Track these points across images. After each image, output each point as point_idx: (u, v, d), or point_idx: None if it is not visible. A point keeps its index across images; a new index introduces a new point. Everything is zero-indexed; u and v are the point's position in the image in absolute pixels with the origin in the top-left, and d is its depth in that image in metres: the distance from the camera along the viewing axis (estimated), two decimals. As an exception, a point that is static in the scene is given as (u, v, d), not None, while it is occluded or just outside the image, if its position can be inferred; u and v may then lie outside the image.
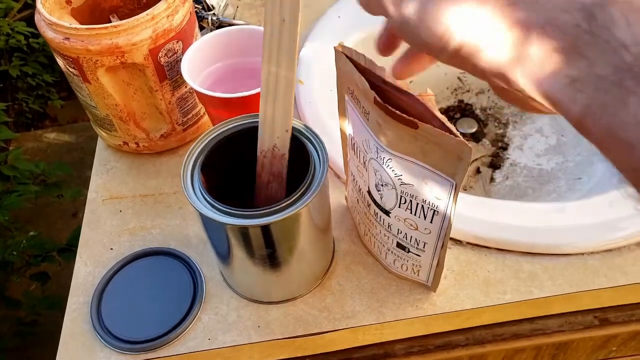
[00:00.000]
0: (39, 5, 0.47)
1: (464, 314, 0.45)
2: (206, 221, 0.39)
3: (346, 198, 0.51)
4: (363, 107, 0.36)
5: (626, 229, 0.47)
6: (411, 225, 0.39)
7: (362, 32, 0.65)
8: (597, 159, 0.59)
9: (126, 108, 0.52)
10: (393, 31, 0.28)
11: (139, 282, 0.47)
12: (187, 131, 0.56)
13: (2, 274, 1.05)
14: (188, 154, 0.40)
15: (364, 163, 0.40)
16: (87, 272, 0.48)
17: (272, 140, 0.39)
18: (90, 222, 0.52)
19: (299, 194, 0.37)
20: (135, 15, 0.46)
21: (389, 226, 0.41)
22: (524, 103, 0.25)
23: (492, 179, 0.66)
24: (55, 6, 0.51)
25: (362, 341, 0.45)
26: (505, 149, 0.69)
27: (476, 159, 0.68)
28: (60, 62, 0.49)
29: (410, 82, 0.66)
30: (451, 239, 0.48)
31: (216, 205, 0.37)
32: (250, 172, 0.42)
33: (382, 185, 0.38)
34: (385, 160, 0.36)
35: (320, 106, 0.58)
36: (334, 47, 0.36)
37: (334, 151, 0.54)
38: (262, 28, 0.41)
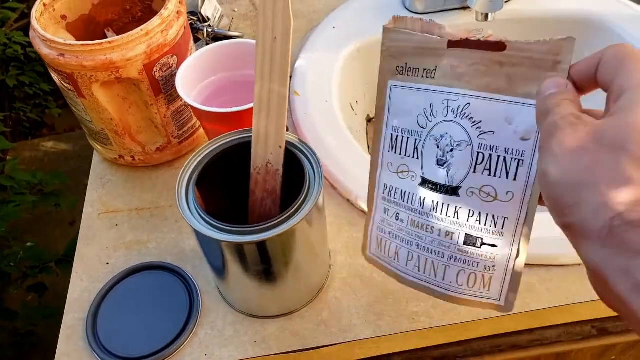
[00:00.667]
0: (33, 21, 0.48)
1: (461, 327, 0.45)
2: (201, 238, 0.39)
3: (366, 246, 0.41)
4: (425, 69, 0.35)
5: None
6: (488, 195, 0.34)
7: (357, 42, 0.65)
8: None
9: (121, 122, 0.52)
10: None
11: (135, 297, 0.47)
12: (182, 144, 0.56)
13: (0, 285, 1.04)
14: (182, 170, 0.40)
15: (415, 149, 0.36)
16: (82, 287, 0.48)
17: (266, 157, 0.39)
18: (86, 237, 0.52)
19: (294, 209, 0.37)
20: (130, 28, 0.46)
21: (456, 214, 0.35)
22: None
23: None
24: (50, 21, 0.51)
25: (358, 355, 0.44)
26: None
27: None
28: (55, 77, 0.49)
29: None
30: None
31: (211, 222, 0.37)
32: (245, 186, 0.42)
33: (450, 150, 0.34)
34: (461, 110, 0.34)
35: (315, 117, 0.58)
36: (384, 26, 0.35)
37: (329, 161, 0.54)
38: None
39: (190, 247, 0.50)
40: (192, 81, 0.51)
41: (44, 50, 0.46)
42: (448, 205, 0.35)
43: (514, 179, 0.33)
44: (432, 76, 0.34)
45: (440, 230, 0.36)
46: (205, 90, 0.53)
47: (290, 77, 0.63)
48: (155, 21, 0.46)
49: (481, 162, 0.33)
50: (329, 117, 0.59)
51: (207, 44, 0.67)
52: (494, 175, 0.33)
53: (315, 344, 0.44)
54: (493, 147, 0.33)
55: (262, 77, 0.36)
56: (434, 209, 0.36)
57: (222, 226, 0.37)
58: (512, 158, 0.32)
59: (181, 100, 0.53)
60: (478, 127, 0.33)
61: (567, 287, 0.46)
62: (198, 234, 0.38)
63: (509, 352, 0.50)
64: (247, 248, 0.38)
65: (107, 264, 0.50)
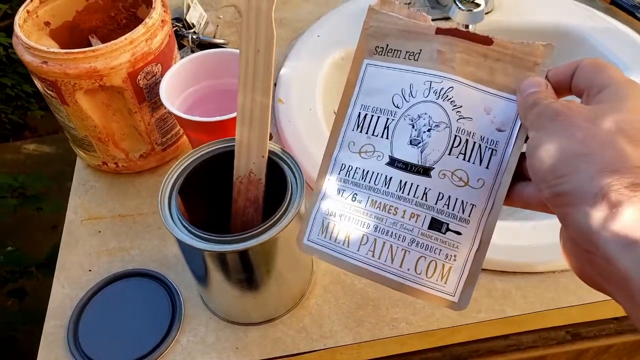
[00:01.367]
0: (16, 28, 0.48)
1: (439, 333, 0.46)
2: (183, 246, 0.39)
3: (303, 234, 0.37)
4: (408, 52, 0.36)
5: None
6: (460, 179, 0.34)
7: (341, 50, 0.66)
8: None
9: (105, 129, 0.52)
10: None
11: (118, 304, 0.47)
12: (166, 151, 0.56)
13: (-21, 290, 1.03)
14: (165, 179, 0.40)
15: (385, 129, 0.36)
16: (64, 294, 0.48)
17: (249, 166, 0.39)
18: (69, 243, 0.52)
19: (276, 218, 0.38)
20: (114, 35, 0.46)
21: (424, 195, 0.34)
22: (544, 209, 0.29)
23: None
24: (33, 28, 0.51)
25: (339, 361, 0.45)
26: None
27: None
28: (38, 84, 0.49)
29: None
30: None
31: (193, 230, 0.37)
32: (228, 195, 0.43)
33: (428, 130, 0.34)
34: (444, 92, 0.35)
35: (299, 125, 0.59)
36: (370, 6, 0.36)
37: (313, 169, 0.54)
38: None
39: (173, 254, 0.51)
40: (176, 89, 0.51)
41: (26, 57, 0.46)
42: (417, 185, 0.34)
43: (487, 167, 0.33)
44: (416, 58, 0.35)
45: (405, 211, 0.34)
46: (189, 98, 0.53)
47: (275, 85, 0.64)
48: (139, 30, 0.47)
49: (457, 145, 0.34)
50: (312, 125, 0.59)
51: (192, 51, 0.67)
52: (468, 161, 0.34)
53: (297, 350, 0.44)
54: (470, 132, 0.34)
55: (245, 88, 0.37)
56: (400, 189, 0.35)
57: (204, 235, 0.37)
58: (486, 146, 0.33)
59: (165, 108, 0.53)
60: (458, 112, 0.34)
61: (542, 294, 0.47)
62: (180, 243, 0.38)
63: (486, 357, 0.51)
64: (229, 257, 0.38)
65: (90, 270, 0.50)
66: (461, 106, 0.34)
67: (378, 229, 0.35)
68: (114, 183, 0.57)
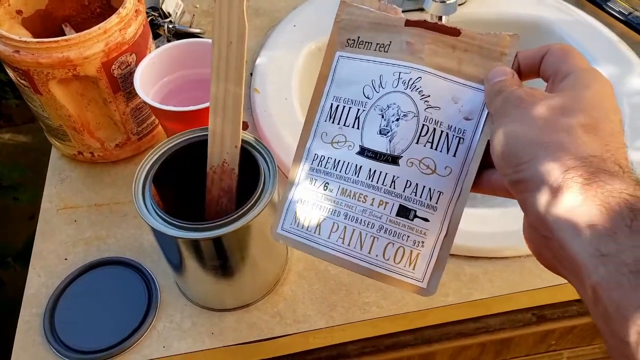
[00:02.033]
0: (-13, 16, 0.47)
1: (409, 316, 0.48)
2: (158, 235, 0.40)
3: (276, 224, 0.38)
4: (378, 44, 0.37)
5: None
6: (427, 167, 0.35)
7: (317, 41, 0.67)
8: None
9: (80, 119, 0.52)
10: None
11: (94, 292, 0.47)
12: (142, 140, 0.56)
13: (-45, 281, 1.02)
14: (139, 168, 0.41)
15: (356, 119, 0.37)
16: (40, 283, 0.49)
17: (222, 156, 0.40)
18: (44, 232, 0.52)
19: (248, 206, 0.39)
20: (88, 24, 0.46)
21: (392, 183, 0.35)
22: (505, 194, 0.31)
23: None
24: (5, 17, 0.51)
25: (312, 344, 0.47)
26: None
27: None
28: (10, 73, 0.49)
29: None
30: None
31: (167, 219, 0.38)
32: (202, 184, 0.43)
33: (396, 120, 0.35)
34: (412, 82, 0.35)
35: (275, 114, 0.60)
36: (341, 0, 0.37)
37: (288, 158, 0.55)
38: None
39: (149, 243, 0.51)
40: (151, 79, 0.51)
41: (-2, 46, 0.46)
42: (386, 174, 0.35)
43: (454, 155, 0.34)
44: (386, 50, 0.36)
45: (373, 199, 0.35)
46: (164, 88, 0.53)
47: (251, 75, 0.64)
48: (113, 20, 0.47)
49: (425, 134, 0.34)
50: (288, 114, 0.60)
51: (168, 40, 0.67)
52: (435, 149, 0.34)
53: (271, 334, 0.45)
54: (438, 121, 0.34)
55: (218, 78, 0.38)
56: (369, 177, 0.35)
57: (178, 223, 0.38)
58: (454, 135, 0.34)
59: (140, 98, 0.54)
60: (426, 101, 0.35)
61: (508, 278, 0.49)
62: (155, 231, 0.39)
63: (456, 340, 0.53)
64: (203, 244, 0.39)
65: (66, 259, 0.50)
66: (429, 96, 0.35)
67: (348, 216, 0.36)
68: (90, 172, 0.57)
